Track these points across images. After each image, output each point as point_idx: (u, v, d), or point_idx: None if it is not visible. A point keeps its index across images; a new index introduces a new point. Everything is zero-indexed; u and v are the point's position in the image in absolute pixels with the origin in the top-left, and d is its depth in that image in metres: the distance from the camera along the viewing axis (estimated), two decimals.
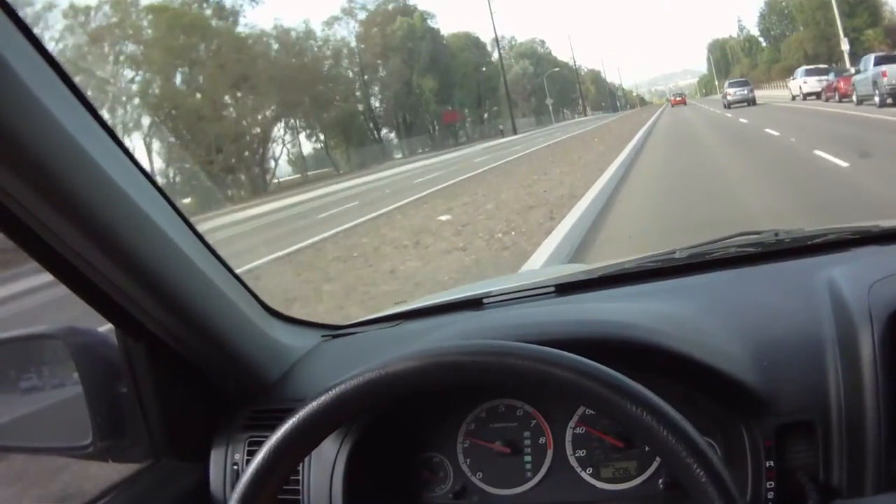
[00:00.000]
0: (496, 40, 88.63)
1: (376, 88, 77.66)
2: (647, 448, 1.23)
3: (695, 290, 1.44)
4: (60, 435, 1.37)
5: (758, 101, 39.89)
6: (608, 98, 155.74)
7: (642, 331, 1.22)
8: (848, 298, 1.17)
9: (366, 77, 76.39)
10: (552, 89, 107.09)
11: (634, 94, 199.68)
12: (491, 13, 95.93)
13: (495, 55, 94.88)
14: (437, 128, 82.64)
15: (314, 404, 0.95)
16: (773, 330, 1.20)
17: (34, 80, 0.93)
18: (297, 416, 0.95)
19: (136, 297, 1.17)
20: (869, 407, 1.05)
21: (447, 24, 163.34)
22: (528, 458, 1.31)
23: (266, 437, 0.97)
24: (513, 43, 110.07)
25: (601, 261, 1.98)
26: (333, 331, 1.63)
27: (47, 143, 0.95)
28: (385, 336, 1.57)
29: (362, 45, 76.72)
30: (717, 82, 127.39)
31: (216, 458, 1.38)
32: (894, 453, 1.03)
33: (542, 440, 1.31)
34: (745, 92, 42.91)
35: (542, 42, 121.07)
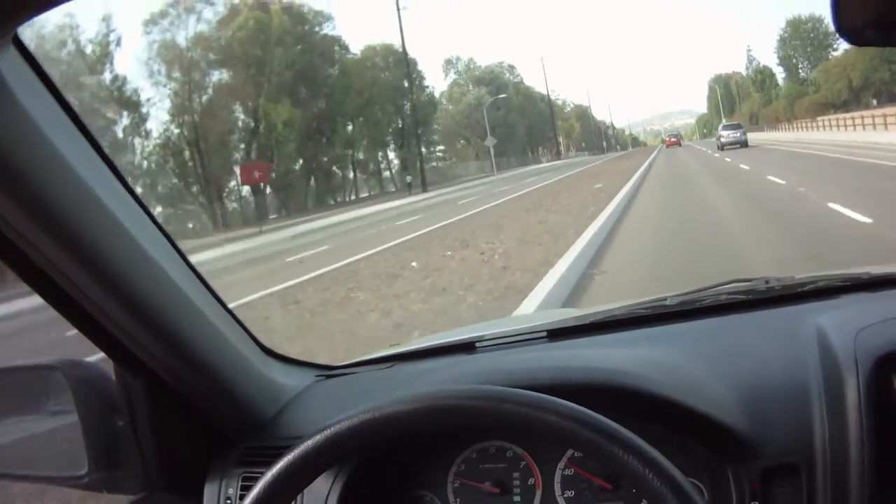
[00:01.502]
0: (404, 52, 60.29)
1: (196, 117, 49.10)
2: (634, 490, 1.24)
3: (685, 336, 1.46)
4: (57, 464, 1.38)
5: (768, 147, 41.73)
6: (596, 137, 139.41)
7: (632, 377, 1.24)
8: (835, 345, 1.18)
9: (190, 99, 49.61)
10: (520, 124, 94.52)
11: (627, 132, 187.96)
12: (399, 12, 53.15)
13: (438, 79, 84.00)
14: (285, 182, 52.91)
15: (309, 443, 0.97)
16: (760, 376, 1.22)
17: (45, 119, 0.96)
18: (292, 454, 0.97)
19: (135, 333, 1.18)
20: (853, 451, 1.06)
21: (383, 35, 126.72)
22: (517, 499, 1.32)
23: (259, 473, 0.99)
24: (471, 66, 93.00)
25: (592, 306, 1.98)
26: (327, 371, 1.64)
27: (52, 179, 0.97)
28: (378, 378, 1.58)
29: (194, 53, 50.82)
30: (722, 121, 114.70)
31: (210, 493, 1.39)
32: (878, 497, 1.04)
33: (531, 481, 1.32)
34: (738, 135, 47.47)
35: (512, 68, 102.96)
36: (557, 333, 1.58)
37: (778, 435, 1.13)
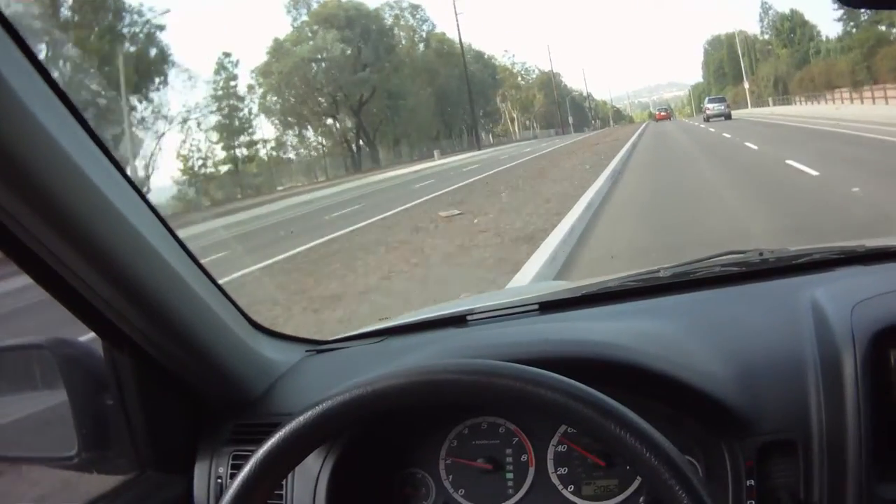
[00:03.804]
0: None
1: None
2: (628, 467, 1.24)
3: (678, 309, 1.45)
4: (45, 445, 1.37)
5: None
6: (562, 111, 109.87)
7: (626, 350, 1.23)
8: (831, 319, 1.18)
9: None
10: (423, 96, 71.26)
11: (609, 105, 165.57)
12: None
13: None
14: None
15: (300, 420, 0.96)
16: (756, 350, 1.21)
17: (23, 88, 0.94)
18: (283, 431, 0.96)
19: (123, 309, 1.17)
20: (850, 427, 1.06)
21: None
22: (509, 476, 1.31)
23: (250, 450, 0.98)
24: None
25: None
26: (318, 346, 1.63)
27: (34, 149, 0.95)
28: (369, 352, 1.57)
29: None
30: (724, 88, 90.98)
31: (200, 471, 1.39)
32: (875, 473, 1.04)
33: (523, 458, 1.31)
34: (722, 108, 53.57)
35: (416, 7, 77.25)
36: (549, 306, 1.57)
37: (774, 411, 1.13)
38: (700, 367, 1.20)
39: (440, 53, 77.87)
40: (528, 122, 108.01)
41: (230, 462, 1.36)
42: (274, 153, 62.49)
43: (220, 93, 57.57)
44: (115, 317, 1.19)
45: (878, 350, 1.10)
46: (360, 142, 68.53)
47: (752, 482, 1.11)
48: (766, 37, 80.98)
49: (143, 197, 1.16)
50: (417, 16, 79.34)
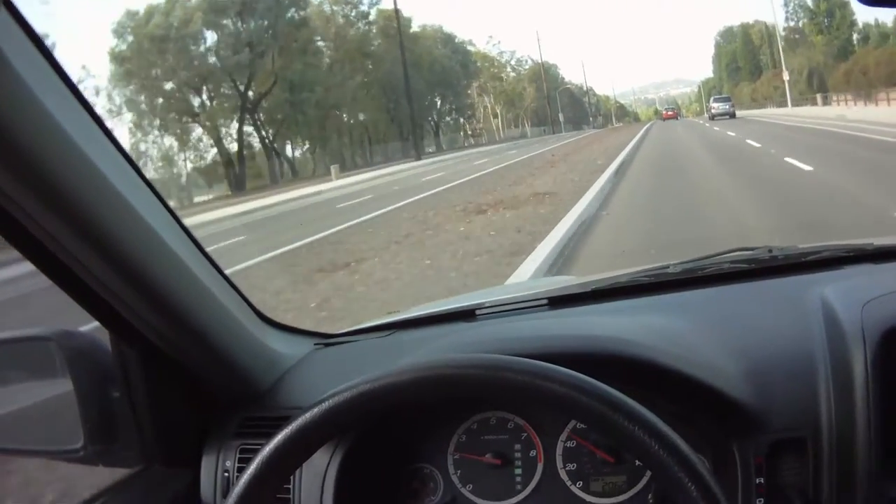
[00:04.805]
0: None
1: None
2: (637, 463, 1.24)
3: (688, 305, 1.45)
4: (51, 438, 1.37)
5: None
6: (571, 108, 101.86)
7: (635, 346, 1.23)
8: (841, 317, 1.17)
9: None
10: (397, 90, 56.16)
11: (612, 102, 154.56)
12: None
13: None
14: None
15: (307, 415, 0.95)
16: (765, 347, 1.21)
17: (34, 79, 0.93)
18: (291, 426, 0.95)
19: (130, 301, 1.17)
20: (860, 425, 1.06)
21: None
22: (518, 471, 1.31)
23: (257, 444, 0.97)
24: None
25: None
26: (326, 339, 1.63)
27: (44, 141, 0.95)
28: (378, 346, 1.57)
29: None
30: (739, 83, 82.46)
31: (207, 465, 1.38)
32: (884, 472, 1.04)
33: (532, 453, 1.31)
34: (727, 107, 54.37)
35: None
36: (559, 301, 1.57)
37: (783, 408, 1.12)
38: (710, 363, 1.19)
39: (388, 34, 57.40)
40: (518, 119, 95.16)
41: (237, 455, 1.35)
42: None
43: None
44: (123, 308, 1.18)
45: (888, 348, 1.09)
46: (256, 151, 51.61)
47: (762, 479, 1.10)
48: (793, 23, 68.61)
49: (152, 188, 1.16)
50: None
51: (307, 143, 57.08)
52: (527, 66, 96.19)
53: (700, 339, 1.26)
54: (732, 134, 26.92)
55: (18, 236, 1.04)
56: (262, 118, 52.54)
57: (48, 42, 0.98)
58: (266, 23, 50.82)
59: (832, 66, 56.60)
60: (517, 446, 1.32)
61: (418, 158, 46.46)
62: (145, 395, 1.30)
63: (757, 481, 1.10)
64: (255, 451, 0.97)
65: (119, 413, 1.31)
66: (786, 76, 53.24)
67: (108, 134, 1.07)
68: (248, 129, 50.71)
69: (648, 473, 1.23)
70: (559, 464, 1.29)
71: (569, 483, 1.28)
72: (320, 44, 58.64)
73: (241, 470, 1.28)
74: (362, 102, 61.44)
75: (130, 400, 1.30)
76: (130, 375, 1.30)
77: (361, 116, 63.35)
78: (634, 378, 1.16)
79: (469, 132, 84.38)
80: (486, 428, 1.34)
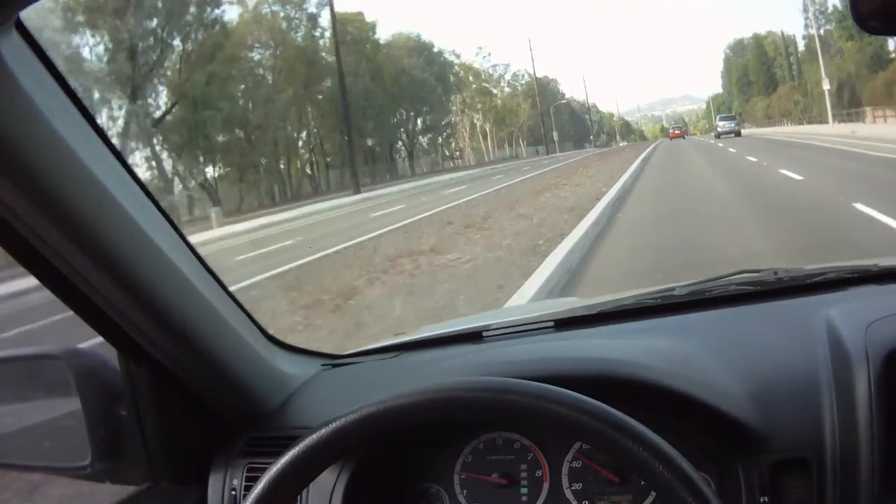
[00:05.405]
0: None
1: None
2: (643, 483, 1.24)
3: (694, 327, 1.45)
4: (59, 455, 1.37)
5: None
6: (572, 126, 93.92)
7: (641, 368, 1.24)
8: (845, 338, 1.18)
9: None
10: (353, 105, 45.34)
11: (616, 119, 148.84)
12: None
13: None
14: None
15: (315, 437, 0.96)
16: (770, 369, 1.22)
17: (49, 104, 0.95)
18: (298, 447, 0.96)
19: (139, 321, 1.17)
20: (863, 446, 1.06)
21: None
22: (524, 491, 1.31)
23: (264, 463, 0.98)
24: None
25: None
26: (333, 360, 1.63)
27: (55, 164, 0.96)
28: (384, 367, 1.57)
29: None
30: (752, 98, 78.08)
31: (214, 483, 1.38)
32: (887, 493, 1.04)
33: (538, 473, 1.31)
34: (732, 125, 56.74)
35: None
36: (565, 323, 1.58)
37: (787, 428, 1.13)
38: (715, 384, 1.20)
39: (342, 40, 47.16)
40: (512, 138, 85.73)
41: (244, 474, 1.36)
42: None
43: None
44: (132, 329, 1.19)
45: (891, 369, 1.10)
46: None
47: (766, 499, 1.11)
48: (811, 30, 64.35)
49: (159, 208, 1.17)
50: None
51: (218, 170, 45.70)
52: (523, 81, 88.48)
53: (705, 361, 1.27)
54: (799, 177, 15.63)
55: (27, 254, 1.05)
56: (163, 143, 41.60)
57: None
58: (158, 23, 40.29)
59: (865, 77, 49.78)
60: (523, 466, 1.32)
61: (357, 191, 36.17)
62: (153, 413, 1.31)
63: (761, 500, 1.11)
64: (263, 471, 0.97)
65: (127, 431, 1.31)
66: (826, 85, 44.17)
67: (116, 154, 1.08)
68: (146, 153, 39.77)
69: (653, 494, 1.24)
70: (565, 484, 1.29)
71: (574, 503, 1.28)
72: (257, 52, 49.63)
73: (248, 489, 1.28)
74: (304, 121, 52.99)
75: (138, 418, 1.31)
76: (138, 394, 1.30)
77: (304, 137, 54.10)
78: (640, 400, 1.17)
79: (447, 154, 74.96)
80: (493, 448, 1.34)
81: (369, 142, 57.86)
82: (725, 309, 1.49)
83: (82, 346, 1.34)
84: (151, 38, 39.89)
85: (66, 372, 1.30)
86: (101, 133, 1.06)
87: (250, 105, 47.04)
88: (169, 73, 42.07)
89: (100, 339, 1.25)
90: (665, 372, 1.22)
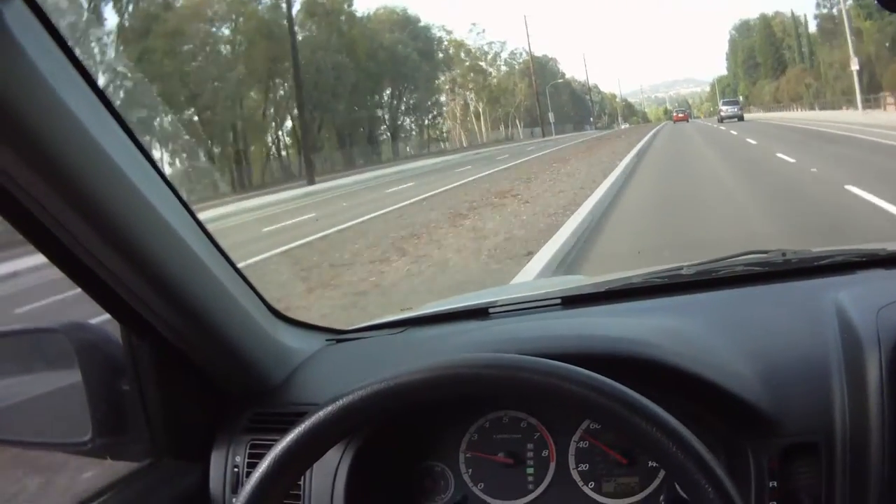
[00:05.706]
0: None
1: None
2: (651, 464, 1.23)
3: (702, 307, 1.45)
4: (59, 430, 1.36)
5: None
6: (572, 107, 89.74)
7: (649, 347, 1.23)
8: (856, 322, 1.17)
9: None
10: (322, 87, 44.10)
11: (619, 100, 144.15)
12: None
13: None
14: None
15: (321, 414, 0.94)
16: (780, 351, 1.21)
17: (54, 74, 0.94)
18: (303, 425, 0.95)
19: (143, 294, 1.16)
20: (874, 431, 1.05)
21: None
22: (530, 471, 1.30)
23: (268, 439, 0.97)
24: None
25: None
26: (338, 335, 1.62)
27: (61, 135, 0.95)
28: (390, 342, 1.57)
29: None
30: (759, 79, 74.36)
31: (217, 460, 1.38)
32: None
33: (545, 453, 1.30)
34: (736, 109, 57.01)
35: None
36: (572, 300, 1.57)
37: (797, 413, 1.12)
38: (724, 366, 1.19)
39: (313, 12, 45.59)
40: (508, 119, 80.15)
41: (247, 451, 1.35)
42: None
43: None
44: (136, 302, 1.18)
45: None
46: None
47: (775, 483, 1.10)
48: (823, 10, 60.82)
49: (167, 182, 1.15)
50: None
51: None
52: (521, 60, 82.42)
53: (714, 341, 1.26)
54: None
55: (32, 229, 1.04)
56: None
57: None
58: None
59: (887, 59, 44.69)
60: (529, 446, 1.31)
61: (311, 182, 32.92)
62: (155, 388, 1.30)
63: (770, 485, 1.10)
64: (266, 447, 0.96)
65: (128, 406, 1.30)
66: (854, 65, 39.44)
67: (122, 124, 1.07)
68: None
69: (661, 475, 1.23)
70: (571, 464, 1.28)
71: (581, 483, 1.27)
72: (212, 25, 43.79)
73: (251, 465, 1.28)
74: (268, 101, 47.66)
75: (140, 393, 1.30)
76: (140, 368, 1.29)
77: (259, 118, 48.36)
78: (648, 379, 1.15)
79: (434, 136, 68.96)
80: (499, 427, 1.33)
81: (341, 123, 52.85)
82: (733, 289, 1.49)
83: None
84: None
85: (67, 346, 1.29)
86: (107, 103, 1.04)
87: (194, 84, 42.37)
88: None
89: (103, 317, 1.24)
90: (673, 351, 1.21)
